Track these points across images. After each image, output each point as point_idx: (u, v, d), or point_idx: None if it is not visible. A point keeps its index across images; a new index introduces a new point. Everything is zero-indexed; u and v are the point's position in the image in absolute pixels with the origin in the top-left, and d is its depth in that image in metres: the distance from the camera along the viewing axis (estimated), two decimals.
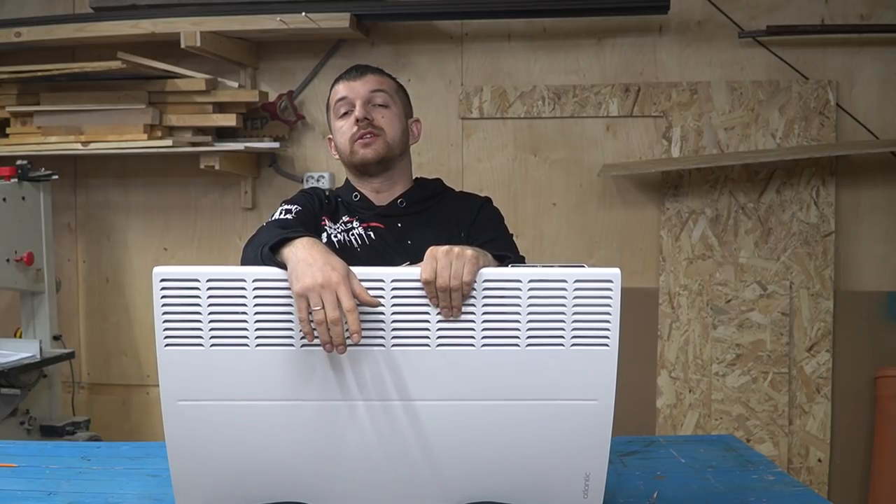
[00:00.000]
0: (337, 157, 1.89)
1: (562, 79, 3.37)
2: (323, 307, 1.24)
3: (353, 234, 1.81)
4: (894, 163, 3.23)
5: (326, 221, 1.83)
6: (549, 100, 3.35)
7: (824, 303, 3.22)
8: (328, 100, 1.89)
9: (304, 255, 1.29)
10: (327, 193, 1.91)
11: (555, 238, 3.40)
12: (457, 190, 1.97)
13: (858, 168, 3.25)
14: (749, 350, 3.25)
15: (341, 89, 1.84)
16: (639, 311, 3.30)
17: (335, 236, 1.80)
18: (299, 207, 1.79)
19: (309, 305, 1.24)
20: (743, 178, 3.27)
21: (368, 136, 1.80)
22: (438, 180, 1.95)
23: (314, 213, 1.82)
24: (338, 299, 1.24)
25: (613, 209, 3.37)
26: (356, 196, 1.87)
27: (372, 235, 1.81)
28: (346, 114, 1.83)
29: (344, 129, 1.83)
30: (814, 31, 3.20)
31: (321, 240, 1.75)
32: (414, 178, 1.93)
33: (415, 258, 1.33)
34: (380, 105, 1.83)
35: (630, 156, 3.35)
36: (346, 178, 1.92)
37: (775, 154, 3.15)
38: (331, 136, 1.90)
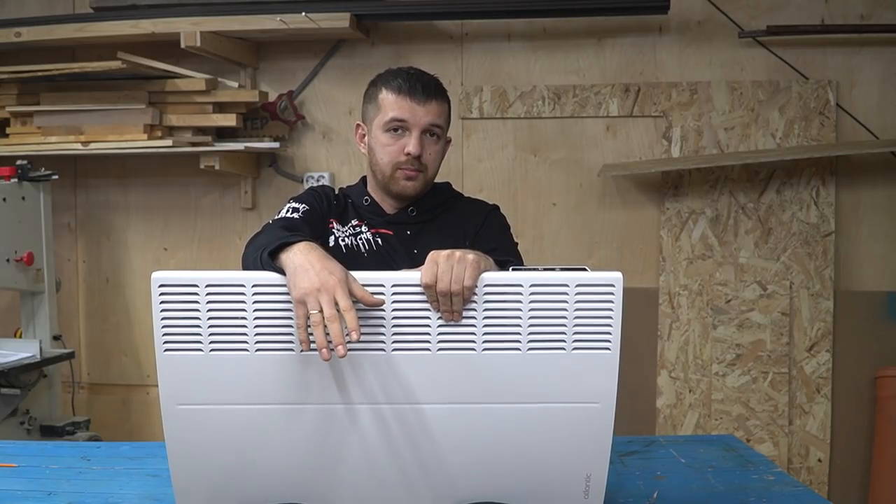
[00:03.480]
0: (362, 148, 1.84)
1: (562, 79, 3.37)
2: (321, 311, 1.22)
3: (361, 239, 1.79)
4: (894, 163, 3.23)
5: (335, 224, 1.81)
6: (549, 100, 3.35)
7: (824, 303, 3.22)
8: (378, 98, 1.77)
9: (302, 261, 1.28)
10: (337, 192, 1.88)
11: (555, 238, 3.40)
12: (465, 195, 1.94)
13: (858, 168, 3.25)
14: (749, 350, 3.25)
15: (401, 108, 1.74)
16: (639, 311, 3.30)
17: (343, 240, 1.79)
18: (307, 207, 1.75)
19: (307, 310, 1.23)
20: (743, 178, 3.27)
21: (414, 171, 1.76)
22: (447, 185, 1.93)
23: (321, 213, 1.79)
24: (335, 301, 1.23)
25: (613, 209, 3.37)
26: (366, 201, 1.85)
27: (380, 241, 1.79)
28: (397, 131, 1.75)
29: (391, 150, 1.76)
30: (814, 31, 3.20)
31: (328, 242, 1.76)
32: None
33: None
34: (432, 135, 1.77)
35: (630, 156, 3.35)
36: (361, 179, 1.90)
37: (775, 154, 3.15)
38: (360, 124, 1.84)
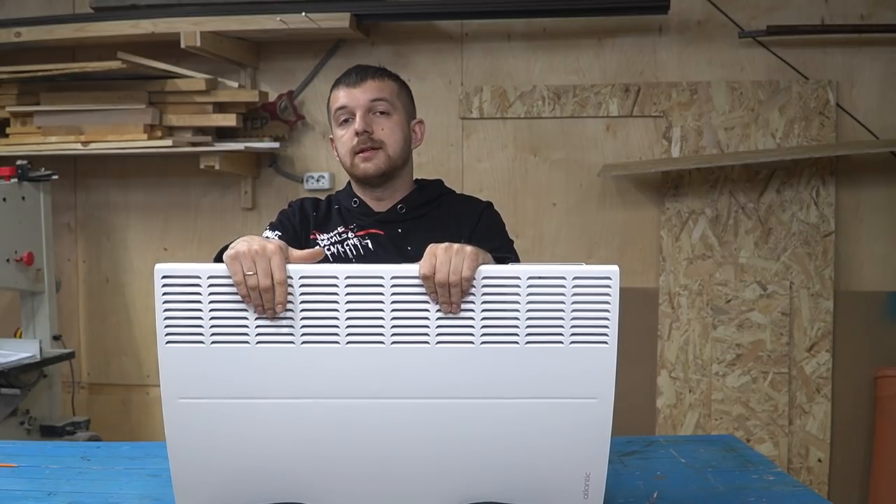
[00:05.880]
0: (339, 159, 1.86)
1: (562, 79, 3.37)
2: (256, 273, 1.22)
3: (347, 245, 1.79)
4: (894, 163, 3.23)
5: (317, 235, 1.81)
6: (549, 100, 3.35)
7: (824, 303, 3.22)
8: (329, 103, 1.85)
9: (244, 238, 1.30)
10: (322, 200, 1.89)
11: (555, 238, 3.40)
12: (457, 192, 1.94)
13: (858, 168, 3.25)
14: (749, 350, 3.25)
15: (341, 96, 1.79)
16: (639, 311, 3.30)
17: (328, 248, 1.78)
18: (278, 234, 1.78)
19: (243, 269, 1.23)
20: (743, 178, 3.27)
21: (369, 150, 1.77)
22: (439, 182, 1.93)
23: (294, 230, 1.81)
24: (271, 269, 1.23)
25: (613, 209, 3.37)
26: (355, 202, 1.85)
27: (369, 245, 1.79)
28: (346, 121, 1.79)
29: (344, 139, 1.79)
30: (814, 31, 3.20)
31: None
32: (414, 179, 1.90)
33: None
34: (381, 113, 1.79)
35: (630, 156, 3.35)
36: (348, 182, 1.90)
37: (775, 154, 3.15)
38: (332, 138, 1.86)
